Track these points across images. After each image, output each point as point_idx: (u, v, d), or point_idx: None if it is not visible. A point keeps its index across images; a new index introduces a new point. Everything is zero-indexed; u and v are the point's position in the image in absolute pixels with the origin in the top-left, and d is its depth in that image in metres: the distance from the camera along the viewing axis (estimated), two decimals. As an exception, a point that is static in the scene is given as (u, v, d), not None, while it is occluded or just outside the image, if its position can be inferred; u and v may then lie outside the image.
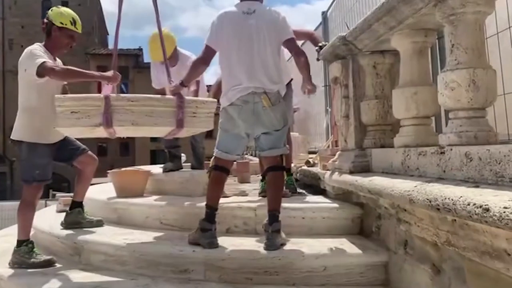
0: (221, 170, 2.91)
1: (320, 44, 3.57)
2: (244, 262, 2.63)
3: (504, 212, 1.24)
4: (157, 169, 4.61)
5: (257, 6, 2.93)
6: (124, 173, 4.31)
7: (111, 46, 38.81)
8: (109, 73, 3.21)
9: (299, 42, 4.65)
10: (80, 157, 3.48)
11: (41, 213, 4.61)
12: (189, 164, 4.87)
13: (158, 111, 3.04)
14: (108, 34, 40.87)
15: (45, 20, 3.32)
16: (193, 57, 4.05)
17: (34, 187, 3.20)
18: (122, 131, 3.35)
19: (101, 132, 3.22)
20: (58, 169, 3.34)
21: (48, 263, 3.06)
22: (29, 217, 3.20)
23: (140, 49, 33.67)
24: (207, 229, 2.77)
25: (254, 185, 4.49)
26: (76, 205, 3.57)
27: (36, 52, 3.12)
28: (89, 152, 3.57)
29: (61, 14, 3.31)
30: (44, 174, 3.21)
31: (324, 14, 6.35)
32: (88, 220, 3.55)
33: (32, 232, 3.99)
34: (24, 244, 3.10)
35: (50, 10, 3.34)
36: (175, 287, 2.58)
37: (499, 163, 1.49)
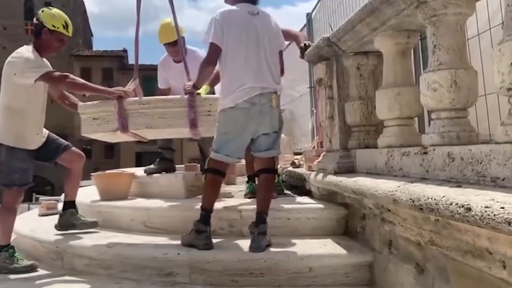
0: (217, 173, 2.85)
1: (305, 43, 3.57)
2: (229, 264, 2.62)
3: (486, 211, 1.25)
4: (141, 171, 4.57)
5: (259, 9, 2.93)
6: (107, 176, 4.26)
7: (95, 47, 38.63)
8: (121, 89, 3.24)
9: (286, 42, 4.66)
10: (63, 155, 3.38)
11: (23, 217, 4.53)
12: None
13: (170, 112, 3.10)
14: (92, 36, 40.53)
15: (35, 21, 3.23)
16: (201, 52, 4.01)
17: (14, 192, 3.12)
18: (144, 134, 3.42)
19: (127, 137, 3.34)
20: (41, 172, 3.31)
21: (30, 268, 3.00)
22: (9, 222, 3.13)
23: (125, 51, 33.40)
24: (202, 231, 2.75)
25: (240, 187, 4.48)
26: (68, 206, 3.45)
27: (34, 60, 3.08)
28: (73, 148, 3.47)
29: (54, 16, 3.23)
30: (24, 178, 3.14)
31: (308, 15, 6.37)
32: (82, 221, 3.43)
33: (13, 237, 3.91)
34: (5, 249, 3.04)
35: (41, 11, 3.26)
36: (159, 291, 2.56)
37: (481, 163, 1.50)
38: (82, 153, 3.54)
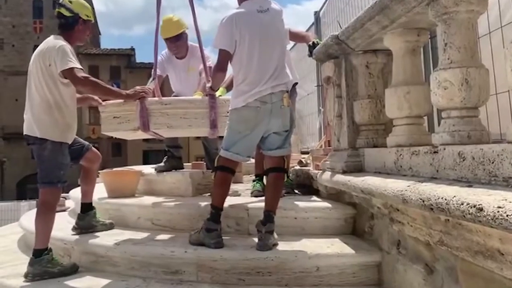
0: (227, 171, 2.84)
1: (313, 41, 3.56)
2: (236, 262, 2.62)
3: (498, 211, 1.23)
4: (149, 169, 4.57)
5: (268, 4, 2.90)
6: (115, 173, 4.27)
7: (103, 46, 38.80)
8: (140, 90, 3.19)
9: (291, 43, 4.66)
10: (86, 154, 3.33)
11: (31, 213, 4.55)
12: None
13: (191, 113, 3.19)
14: (100, 34, 40.73)
15: (67, 14, 3.08)
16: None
17: (57, 189, 3.00)
18: (164, 133, 3.50)
19: (146, 135, 3.40)
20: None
21: (75, 268, 2.91)
22: (52, 223, 2.95)
23: (132, 49, 33.54)
24: (212, 229, 2.74)
25: (247, 185, 4.47)
26: (89, 208, 3.40)
27: (68, 53, 2.95)
28: (93, 148, 3.44)
29: (84, 6, 3.18)
30: (66, 174, 3.02)
31: (316, 14, 6.35)
32: (101, 223, 3.40)
33: (21, 233, 3.94)
34: (45, 253, 2.85)
35: (68, 1, 3.12)
36: (166, 289, 2.56)
37: (492, 162, 1.48)
38: (99, 154, 3.50)
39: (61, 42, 3.00)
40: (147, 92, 3.23)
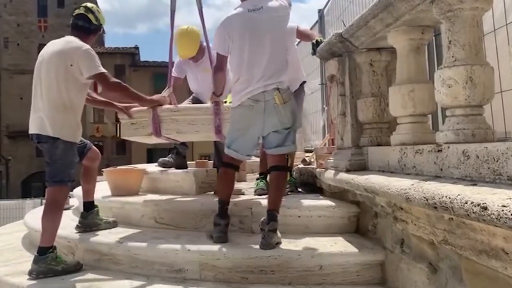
0: (229, 166, 2.96)
1: (317, 39, 3.55)
2: (239, 261, 2.61)
3: (503, 210, 1.22)
4: (153, 167, 4.58)
5: (262, 2, 2.90)
6: (119, 172, 4.28)
7: (107, 44, 38.89)
8: (159, 98, 3.36)
9: (296, 41, 4.64)
10: (88, 153, 3.35)
11: (36, 211, 4.57)
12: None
13: (199, 119, 3.36)
14: (104, 33, 40.80)
15: (95, 22, 3.16)
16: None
17: (66, 188, 3.01)
18: (175, 138, 3.67)
19: (162, 140, 3.56)
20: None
21: (79, 267, 2.91)
22: (59, 221, 2.95)
23: (137, 48, 33.57)
24: (217, 224, 2.83)
25: (250, 184, 4.47)
26: (92, 206, 3.41)
27: (95, 57, 2.97)
28: (93, 146, 3.46)
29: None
30: (75, 173, 3.03)
31: (320, 12, 6.33)
32: (105, 221, 3.39)
33: (26, 231, 3.95)
34: (50, 251, 2.85)
35: (96, 11, 3.19)
36: (170, 287, 2.56)
37: (497, 161, 1.47)
38: (99, 152, 3.54)
39: (85, 44, 3.01)
40: (164, 100, 3.41)
